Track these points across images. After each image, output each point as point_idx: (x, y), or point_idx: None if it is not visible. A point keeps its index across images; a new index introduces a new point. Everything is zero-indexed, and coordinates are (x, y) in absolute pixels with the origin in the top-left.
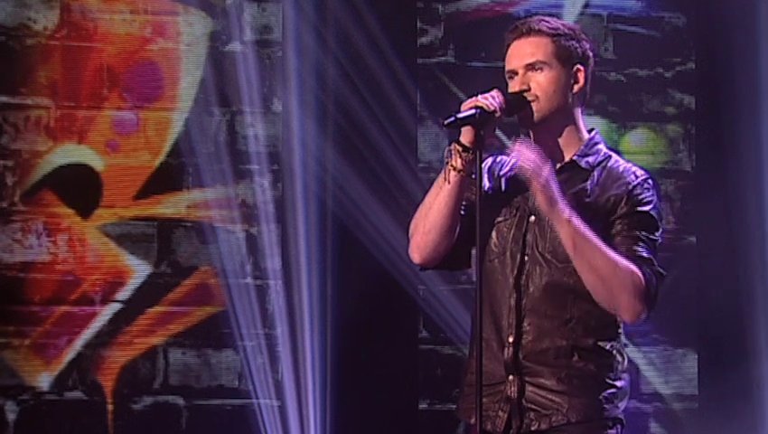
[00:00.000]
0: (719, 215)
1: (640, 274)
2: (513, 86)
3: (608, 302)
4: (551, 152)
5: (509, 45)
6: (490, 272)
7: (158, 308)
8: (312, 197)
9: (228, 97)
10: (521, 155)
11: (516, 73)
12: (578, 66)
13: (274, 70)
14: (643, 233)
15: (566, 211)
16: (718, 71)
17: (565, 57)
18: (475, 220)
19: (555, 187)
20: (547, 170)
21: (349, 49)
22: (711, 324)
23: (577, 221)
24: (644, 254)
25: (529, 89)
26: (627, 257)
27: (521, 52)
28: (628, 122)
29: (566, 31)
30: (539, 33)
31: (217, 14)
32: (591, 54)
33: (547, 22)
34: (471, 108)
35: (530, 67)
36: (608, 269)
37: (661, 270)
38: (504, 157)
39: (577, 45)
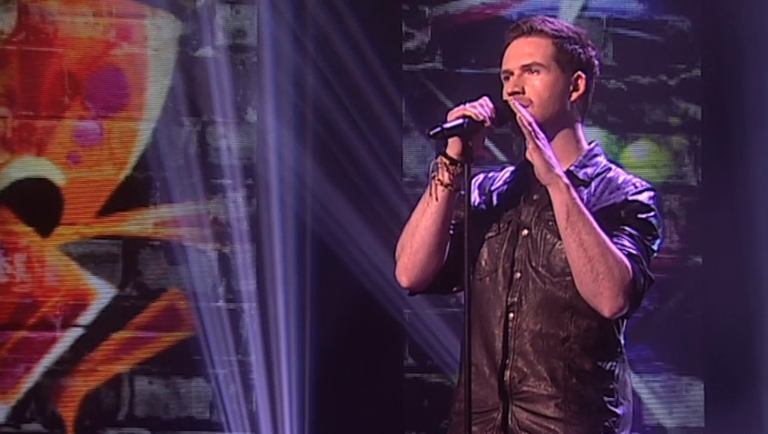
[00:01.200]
0: (727, 234)
1: (628, 265)
2: (507, 87)
3: (590, 286)
4: None
5: (508, 44)
6: (480, 292)
7: (123, 334)
8: (289, 214)
9: (198, 106)
10: (519, 113)
11: (511, 74)
12: (579, 73)
13: (248, 77)
14: (636, 234)
15: (563, 177)
16: (726, 79)
17: (565, 61)
18: (464, 237)
19: (551, 151)
20: (543, 136)
21: (329, 54)
22: (718, 351)
23: (574, 192)
24: (634, 251)
25: (523, 93)
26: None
27: (519, 52)
28: (629, 133)
29: (570, 34)
30: (541, 33)
31: (187, 17)
32: (596, 63)
33: (551, 23)
34: (458, 118)
35: (527, 68)
36: (597, 249)
37: (650, 274)
38: (496, 173)
39: (581, 51)
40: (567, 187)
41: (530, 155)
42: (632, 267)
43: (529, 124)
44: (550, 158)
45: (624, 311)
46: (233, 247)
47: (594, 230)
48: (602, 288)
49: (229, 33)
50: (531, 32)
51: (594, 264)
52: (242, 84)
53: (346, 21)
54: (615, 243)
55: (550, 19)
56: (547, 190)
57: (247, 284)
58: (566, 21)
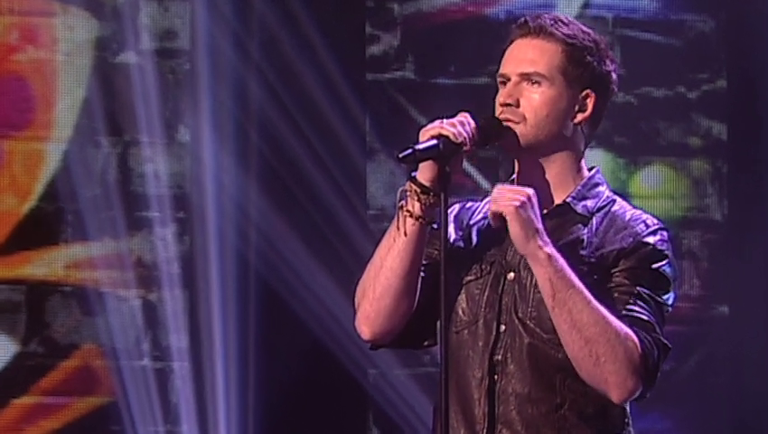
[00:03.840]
0: (758, 278)
1: (636, 339)
2: (500, 96)
3: (591, 372)
4: (537, 191)
5: (511, 41)
6: (457, 347)
7: (27, 399)
8: (229, 254)
9: (119, 123)
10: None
11: (508, 79)
12: (589, 91)
13: (180, 88)
14: (647, 292)
15: (546, 246)
16: (757, 91)
17: (574, 75)
18: (439, 280)
19: (534, 214)
20: (525, 195)
21: (278, 60)
22: (748, 417)
23: (560, 262)
24: (644, 317)
25: (517, 105)
26: (622, 317)
27: (521, 56)
28: (640, 157)
29: (587, 42)
30: (550, 36)
31: (105, 15)
32: (613, 79)
33: (565, 24)
34: (433, 138)
35: (526, 77)
36: (595, 329)
37: (666, 341)
38: (475, 204)
39: (596, 64)
40: (549, 258)
41: (508, 217)
42: (642, 340)
43: (510, 190)
44: (531, 223)
45: (637, 394)
46: (161, 294)
47: (589, 305)
48: (605, 374)
49: (157, 35)
50: (540, 32)
51: (593, 346)
52: (172, 96)
53: (298, 20)
54: (622, 308)
55: (566, 19)
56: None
57: (177, 339)
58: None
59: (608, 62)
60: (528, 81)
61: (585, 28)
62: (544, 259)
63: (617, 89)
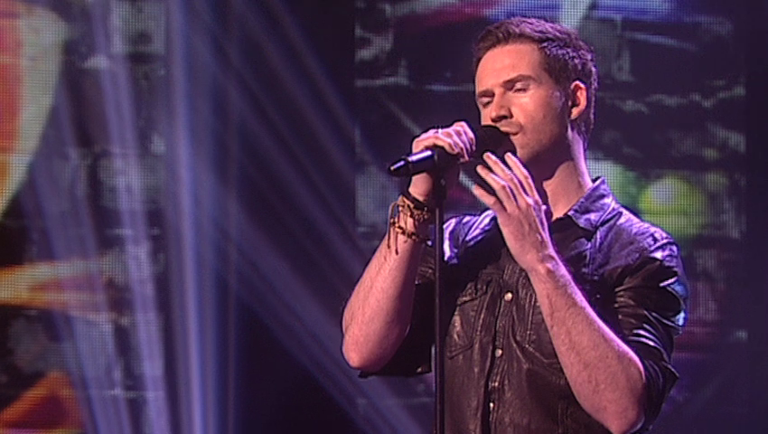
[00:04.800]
0: None
1: (640, 367)
2: (487, 114)
3: (590, 399)
4: None
5: (479, 59)
6: (451, 374)
7: None
8: (208, 275)
9: (89, 133)
10: (492, 173)
11: (491, 95)
12: (577, 83)
13: (154, 96)
14: (654, 315)
15: (547, 260)
16: None
17: (558, 69)
18: (434, 302)
19: (536, 222)
20: (526, 201)
21: (259, 66)
22: None
23: (563, 278)
24: (651, 343)
25: (511, 116)
26: (627, 342)
27: (497, 66)
28: (651, 170)
29: (558, 35)
30: (521, 38)
31: (74, 17)
32: (593, 69)
33: (530, 23)
34: (427, 149)
35: (510, 85)
36: (595, 353)
37: (673, 369)
38: (473, 218)
39: (575, 54)
40: (549, 274)
41: (502, 224)
42: (647, 367)
43: (503, 188)
44: (525, 237)
45: (638, 426)
46: (134, 317)
47: (590, 326)
48: (604, 402)
49: (130, 38)
50: (509, 37)
51: (593, 372)
52: (146, 104)
53: (282, 22)
54: (627, 333)
55: (529, 19)
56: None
57: (151, 366)
58: (567, 23)
59: (585, 53)
60: (513, 89)
61: (551, 23)
62: (543, 274)
63: (599, 81)
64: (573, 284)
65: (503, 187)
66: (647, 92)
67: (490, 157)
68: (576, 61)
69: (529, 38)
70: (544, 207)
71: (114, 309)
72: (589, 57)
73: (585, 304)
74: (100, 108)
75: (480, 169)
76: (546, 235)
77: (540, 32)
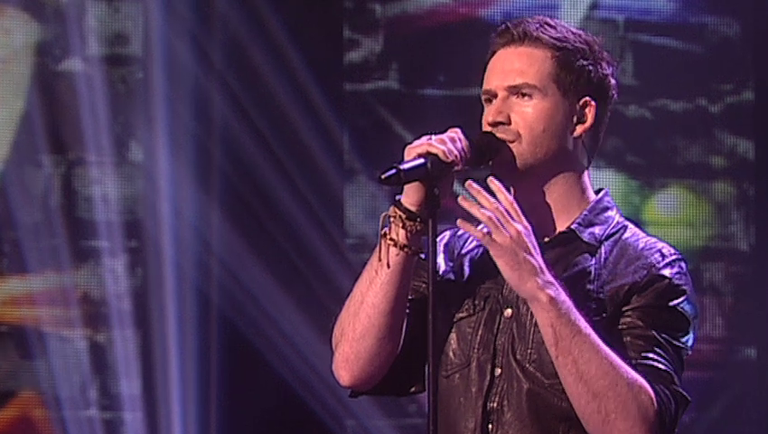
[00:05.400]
0: None
1: (651, 393)
2: (488, 115)
3: (600, 430)
4: (537, 217)
5: (492, 53)
6: (447, 394)
7: None
8: (188, 289)
9: (63, 139)
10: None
11: (494, 96)
12: (587, 99)
13: (132, 100)
14: (664, 336)
15: (547, 287)
16: None
17: (568, 83)
18: (427, 318)
19: (530, 249)
20: (516, 228)
21: (243, 69)
22: None
23: (565, 305)
24: (661, 366)
25: (509, 123)
26: (636, 366)
27: (506, 67)
28: (655, 179)
29: (579, 44)
30: (537, 42)
31: (47, 17)
32: (612, 84)
33: (553, 27)
34: (420, 156)
35: (515, 90)
36: (604, 382)
37: (685, 393)
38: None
39: (592, 68)
40: (551, 301)
41: (495, 256)
42: (658, 393)
43: (489, 219)
44: (521, 265)
45: None
46: (110, 334)
47: (598, 354)
48: (615, 432)
49: (106, 39)
50: (525, 39)
51: (602, 402)
52: (123, 109)
53: (266, 22)
54: (636, 356)
55: (552, 22)
56: (541, 250)
57: (129, 385)
58: (570, 24)
59: (605, 65)
60: (517, 95)
61: (575, 30)
62: (546, 303)
63: (617, 96)
64: (575, 310)
65: (490, 218)
66: (651, 97)
67: (472, 186)
68: (593, 75)
69: (546, 44)
70: (531, 229)
71: (89, 325)
72: (609, 71)
73: (589, 330)
74: (75, 114)
75: (462, 201)
76: (540, 260)
77: (559, 39)
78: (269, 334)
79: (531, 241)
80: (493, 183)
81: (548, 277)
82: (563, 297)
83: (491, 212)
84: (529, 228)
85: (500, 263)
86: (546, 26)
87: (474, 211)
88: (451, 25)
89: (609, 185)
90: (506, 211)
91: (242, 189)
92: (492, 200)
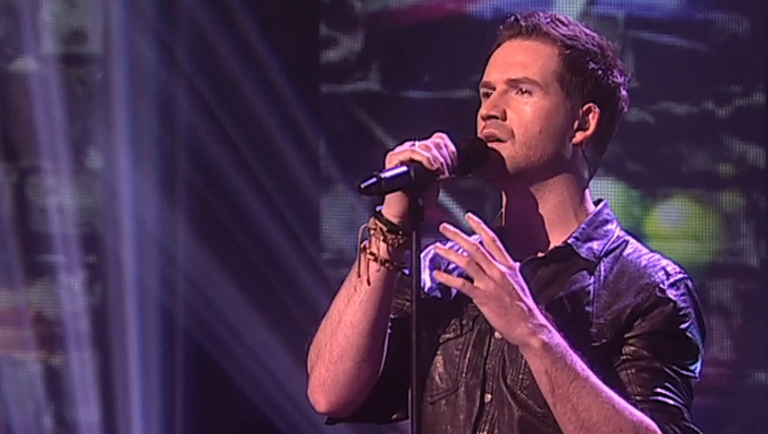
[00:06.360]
0: None
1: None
2: (483, 108)
3: None
4: (531, 230)
5: (498, 45)
6: (433, 421)
7: None
8: (151, 307)
9: (14, 145)
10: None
11: (492, 88)
12: (591, 105)
13: (90, 103)
14: (672, 367)
15: (539, 330)
16: None
17: (573, 84)
18: (410, 339)
19: (516, 291)
20: (499, 270)
21: (211, 69)
22: None
23: (559, 348)
24: (670, 401)
25: (504, 119)
26: (642, 403)
27: (509, 59)
28: (658, 188)
29: (590, 46)
30: (546, 37)
31: None
32: (622, 94)
33: (565, 24)
34: (402, 163)
35: (514, 84)
36: (608, 427)
37: (696, 429)
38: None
39: (601, 73)
40: (544, 347)
41: (479, 302)
42: (666, 430)
43: (468, 263)
44: (508, 311)
45: None
46: (66, 356)
47: (598, 398)
48: None
49: (62, 37)
50: (533, 32)
51: None
52: (81, 113)
53: (236, 19)
54: (643, 391)
55: (566, 19)
56: (533, 267)
57: (86, 412)
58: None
59: (616, 73)
60: (517, 90)
61: (588, 30)
62: (538, 349)
63: (627, 107)
64: (570, 352)
65: (469, 263)
66: (653, 99)
67: (447, 229)
68: (601, 80)
69: (554, 40)
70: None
71: (44, 347)
72: (620, 80)
73: (587, 372)
74: (28, 117)
75: (437, 248)
76: (530, 301)
77: (569, 37)
78: (239, 357)
79: (518, 282)
80: (472, 219)
81: (539, 319)
82: (556, 339)
83: (471, 253)
84: (515, 267)
85: (485, 311)
86: (557, 22)
87: (452, 257)
88: (437, 22)
89: (608, 195)
90: (487, 252)
91: (210, 199)
92: (471, 241)
